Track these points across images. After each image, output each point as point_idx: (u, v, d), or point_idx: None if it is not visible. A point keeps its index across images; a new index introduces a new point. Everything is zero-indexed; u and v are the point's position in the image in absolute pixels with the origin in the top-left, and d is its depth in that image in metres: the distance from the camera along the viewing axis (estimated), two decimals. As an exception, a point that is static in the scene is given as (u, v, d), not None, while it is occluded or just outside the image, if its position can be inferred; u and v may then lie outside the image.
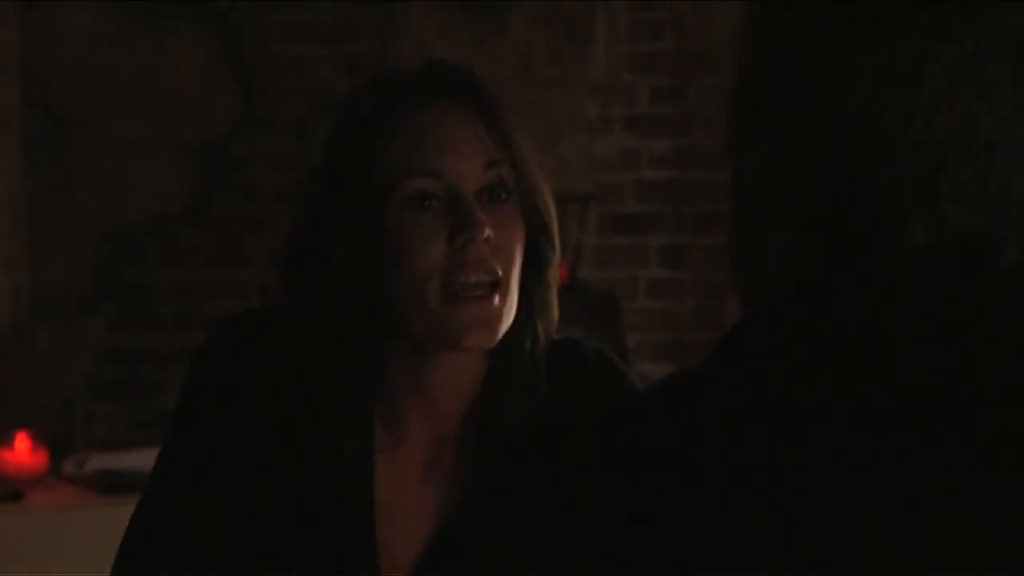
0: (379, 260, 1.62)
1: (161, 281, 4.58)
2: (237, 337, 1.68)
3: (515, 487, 0.86)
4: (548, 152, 4.43)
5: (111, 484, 3.81)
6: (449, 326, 1.60)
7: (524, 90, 4.56)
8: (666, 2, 4.65)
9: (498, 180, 1.64)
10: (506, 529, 0.85)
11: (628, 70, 4.68)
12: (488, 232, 1.59)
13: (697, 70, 4.64)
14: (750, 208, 0.93)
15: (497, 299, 1.61)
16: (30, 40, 4.51)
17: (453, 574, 0.86)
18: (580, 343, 1.73)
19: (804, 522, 0.81)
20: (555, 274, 1.70)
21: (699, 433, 0.85)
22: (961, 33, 0.87)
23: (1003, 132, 0.87)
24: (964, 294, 0.86)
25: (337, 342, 1.65)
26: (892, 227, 0.87)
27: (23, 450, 3.89)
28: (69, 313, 4.53)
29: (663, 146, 4.66)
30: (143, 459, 3.72)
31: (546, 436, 0.89)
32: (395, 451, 1.68)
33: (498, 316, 1.61)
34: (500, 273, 1.61)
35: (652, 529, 0.82)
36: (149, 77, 4.55)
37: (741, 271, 0.95)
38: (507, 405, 1.66)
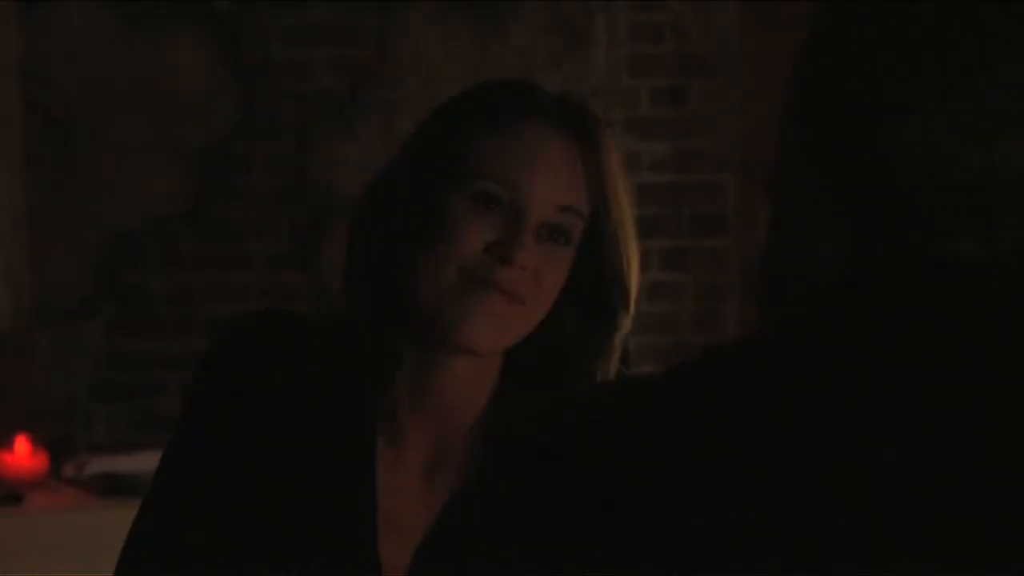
0: (425, 240, 1.62)
1: (161, 283, 4.58)
2: (242, 341, 1.68)
3: (512, 486, 0.86)
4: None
5: (111, 486, 3.82)
6: (453, 313, 1.59)
7: (524, 92, 4.56)
8: (666, 4, 4.65)
9: (565, 225, 1.62)
10: (503, 530, 0.85)
11: (628, 73, 4.68)
12: (524, 263, 1.59)
13: (697, 73, 4.64)
14: (792, 238, 0.93)
15: (510, 303, 1.60)
16: (30, 41, 4.51)
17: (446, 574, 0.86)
18: None
19: (804, 522, 0.81)
20: (622, 340, 1.68)
21: (700, 435, 0.84)
22: (1018, 52, 0.87)
23: None
24: (990, 304, 0.86)
25: (347, 346, 1.65)
26: (944, 245, 0.87)
27: (23, 452, 3.90)
28: (69, 315, 4.53)
29: (663, 149, 4.66)
30: (143, 461, 3.72)
31: (543, 436, 0.88)
32: (397, 457, 1.68)
33: (504, 317, 1.60)
34: (522, 295, 1.60)
35: (652, 529, 0.82)
36: (149, 79, 4.55)
37: (775, 300, 0.95)
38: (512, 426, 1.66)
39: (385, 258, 1.64)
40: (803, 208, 0.93)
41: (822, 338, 0.87)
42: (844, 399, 0.84)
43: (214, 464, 1.65)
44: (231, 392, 1.65)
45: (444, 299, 1.59)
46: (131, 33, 4.55)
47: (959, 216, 0.87)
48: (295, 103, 4.61)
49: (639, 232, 1.69)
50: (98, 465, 3.95)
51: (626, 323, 1.68)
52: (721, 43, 4.60)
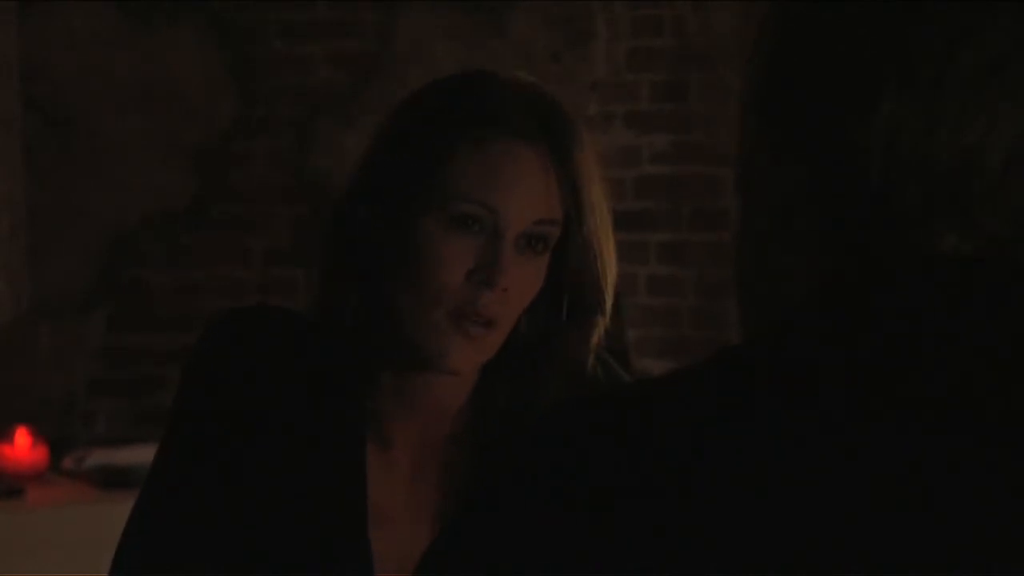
0: (402, 264, 1.62)
1: (161, 280, 4.58)
2: (228, 338, 1.68)
3: (510, 491, 0.86)
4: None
5: (111, 479, 3.82)
6: (436, 347, 1.61)
7: (524, 87, 4.56)
8: (666, -1, 4.66)
9: (542, 235, 1.63)
10: (503, 535, 0.85)
11: (628, 67, 4.69)
12: (506, 285, 1.60)
13: (697, 67, 4.64)
14: (766, 237, 0.93)
15: (488, 335, 1.62)
16: (30, 40, 4.51)
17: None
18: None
19: (804, 522, 0.81)
20: (598, 338, 1.69)
21: (699, 434, 0.84)
22: (983, 37, 0.87)
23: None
24: (991, 301, 0.86)
25: (335, 344, 1.65)
26: (923, 241, 0.87)
27: (23, 446, 3.91)
28: (69, 312, 4.54)
29: (663, 142, 4.66)
30: (143, 454, 3.73)
31: (540, 440, 0.88)
32: (384, 454, 1.69)
33: (482, 348, 1.63)
34: (499, 319, 1.62)
35: (650, 530, 0.81)
36: (149, 77, 4.56)
37: (755, 302, 0.94)
38: (494, 423, 1.68)
39: (363, 282, 1.64)
40: (775, 204, 0.92)
41: (810, 347, 0.87)
42: (852, 402, 0.84)
43: (205, 460, 1.65)
44: (220, 388, 1.65)
45: (430, 334, 1.61)
46: (131, 30, 4.56)
47: (934, 206, 0.87)
48: (295, 98, 4.62)
49: (639, 225, 1.71)
50: (98, 458, 3.95)
51: (602, 323, 1.69)
52: (720, 37, 4.60)
